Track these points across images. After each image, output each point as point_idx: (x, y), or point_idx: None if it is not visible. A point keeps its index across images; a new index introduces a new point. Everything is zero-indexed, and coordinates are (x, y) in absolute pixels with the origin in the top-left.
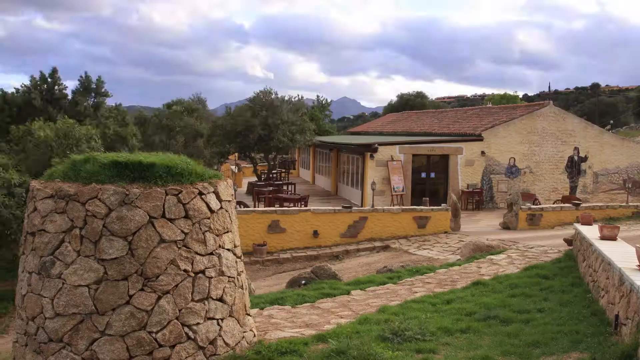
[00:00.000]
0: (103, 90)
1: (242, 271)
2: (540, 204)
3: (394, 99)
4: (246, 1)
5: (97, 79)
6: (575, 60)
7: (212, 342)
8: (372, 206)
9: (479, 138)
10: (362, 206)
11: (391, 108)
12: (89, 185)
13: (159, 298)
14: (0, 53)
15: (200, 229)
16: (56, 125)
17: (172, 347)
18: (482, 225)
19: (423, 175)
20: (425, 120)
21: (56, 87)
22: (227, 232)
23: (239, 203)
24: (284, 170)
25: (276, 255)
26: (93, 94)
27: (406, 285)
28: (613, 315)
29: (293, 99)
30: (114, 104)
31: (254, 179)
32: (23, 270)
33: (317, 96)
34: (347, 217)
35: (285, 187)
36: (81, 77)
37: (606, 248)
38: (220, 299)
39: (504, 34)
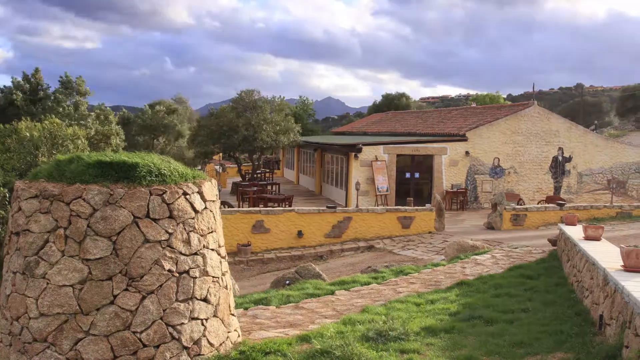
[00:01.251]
0: (84, 89)
1: (227, 271)
2: (524, 204)
3: (378, 99)
4: None
5: (77, 78)
6: None
7: (197, 342)
8: (357, 206)
9: (463, 138)
10: (346, 206)
11: (375, 108)
12: (73, 185)
13: (143, 298)
14: None
15: (185, 229)
16: (42, 125)
17: (157, 347)
18: (466, 226)
19: (407, 175)
20: (409, 121)
21: (39, 87)
22: (212, 232)
23: (223, 203)
24: (268, 170)
25: (260, 255)
26: (75, 93)
27: (390, 285)
28: (597, 315)
29: (277, 99)
30: (97, 104)
31: (238, 179)
32: (7, 270)
33: (300, 96)
34: (331, 217)
35: (269, 187)
36: (61, 76)
37: (590, 248)
38: (205, 299)
39: None
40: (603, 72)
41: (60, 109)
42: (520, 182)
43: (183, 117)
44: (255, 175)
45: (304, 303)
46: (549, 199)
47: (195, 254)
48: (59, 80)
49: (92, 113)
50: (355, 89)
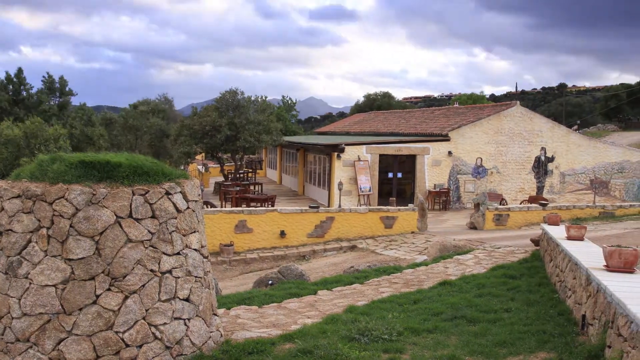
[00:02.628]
0: (67, 89)
1: (209, 271)
2: (507, 204)
3: (361, 99)
4: None
5: (59, 78)
6: None
7: (179, 342)
8: (339, 206)
9: (446, 138)
10: (329, 206)
11: (358, 108)
12: (56, 185)
13: (126, 298)
14: None
15: (167, 229)
16: (25, 125)
17: (139, 347)
18: (449, 225)
19: (390, 175)
20: (392, 121)
21: (22, 88)
22: (194, 232)
23: (206, 203)
24: (250, 170)
25: (243, 255)
26: (57, 94)
27: (373, 285)
28: (580, 315)
29: (259, 99)
30: (79, 104)
31: (221, 179)
32: None
33: (283, 97)
34: (314, 217)
35: (252, 187)
36: (44, 77)
37: (573, 248)
38: (187, 299)
39: None
40: None
41: (47, 109)
42: (503, 182)
43: (167, 116)
44: (237, 175)
45: (287, 303)
46: (531, 199)
47: (178, 253)
48: (42, 81)
49: (78, 115)
50: None
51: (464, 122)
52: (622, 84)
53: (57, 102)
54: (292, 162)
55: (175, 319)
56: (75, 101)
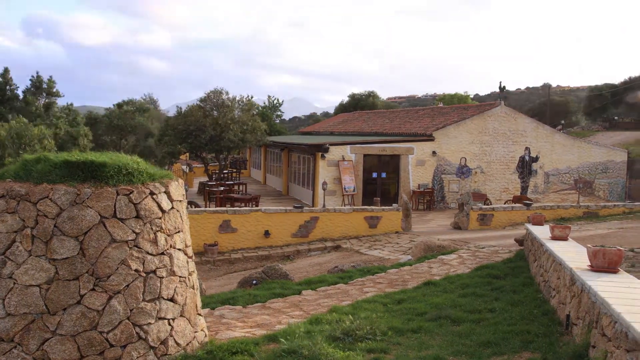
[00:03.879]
0: (54, 90)
1: (194, 271)
2: (491, 204)
3: (345, 99)
4: None
5: (48, 79)
6: None
7: (164, 342)
8: (324, 206)
9: (430, 138)
10: (313, 206)
11: (342, 108)
12: (40, 185)
13: (110, 298)
14: None
15: (152, 229)
16: (9, 125)
17: (124, 347)
18: (433, 225)
19: (374, 175)
20: (376, 120)
21: (8, 87)
22: (179, 232)
23: (190, 203)
24: (235, 170)
25: (227, 255)
26: (44, 94)
27: (357, 285)
28: (564, 315)
29: (244, 99)
30: (65, 104)
31: (205, 178)
32: None
33: (269, 96)
34: (298, 217)
35: (236, 187)
36: (32, 77)
37: (557, 248)
38: (172, 299)
39: None
40: None
41: (33, 109)
42: (487, 182)
43: (153, 116)
44: (222, 175)
45: (271, 303)
46: (515, 199)
47: (162, 253)
48: (30, 81)
49: (63, 115)
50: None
51: (448, 122)
52: (606, 84)
53: (43, 102)
54: (276, 162)
55: (160, 319)
56: (61, 101)
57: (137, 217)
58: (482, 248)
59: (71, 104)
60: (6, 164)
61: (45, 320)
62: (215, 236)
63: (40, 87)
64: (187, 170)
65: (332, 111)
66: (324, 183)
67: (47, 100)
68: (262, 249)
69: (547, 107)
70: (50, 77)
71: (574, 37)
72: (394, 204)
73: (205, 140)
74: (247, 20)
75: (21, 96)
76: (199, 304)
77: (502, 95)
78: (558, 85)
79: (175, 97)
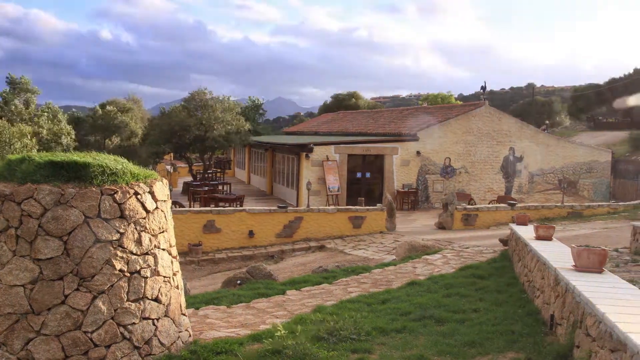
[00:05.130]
0: (32, 87)
1: (178, 271)
2: (475, 204)
3: (329, 99)
4: None
5: (20, 77)
6: None
7: (148, 342)
8: (308, 206)
9: (414, 138)
10: (297, 206)
11: (326, 108)
12: (24, 185)
13: (95, 298)
14: None
15: (136, 229)
16: None
17: (108, 347)
18: (417, 225)
19: (358, 175)
20: (360, 120)
21: None
22: (163, 232)
23: (175, 203)
24: (219, 170)
25: (211, 255)
26: (23, 94)
27: (341, 285)
28: (548, 315)
29: (226, 99)
30: (44, 102)
31: (189, 178)
32: None
33: (250, 97)
34: (282, 217)
35: (220, 187)
36: (7, 77)
37: (542, 248)
38: (156, 299)
39: None
40: None
41: (12, 107)
42: (472, 182)
43: (136, 116)
44: (206, 175)
45: (255, 303)
46: (500, 199)
47: (147, 253)
48: (6, 81)
49: (44, 113)
50: None
51: (433, 122)
52: (590, 84)
53: (23, 100)
54: (260, 162)
55: (144, 318)
56: (41, 100)
57: (122, 217)
58: (467, 248)
59: (50, 103)
60: None
61: (29, 320)
62: (200, 236)
63: (19, 86)
64: (172, 170)
65: (316, 111)
66: (308, 183)
67: (28, 97)
68: (246, 249)
69: (532, 107)
70: (22, 76)
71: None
72: (378, 204)
73: (189, 140)
74: None
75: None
76: (183, 304)
77: (485, 96)
78: (542, 85)
79: (159, 97)
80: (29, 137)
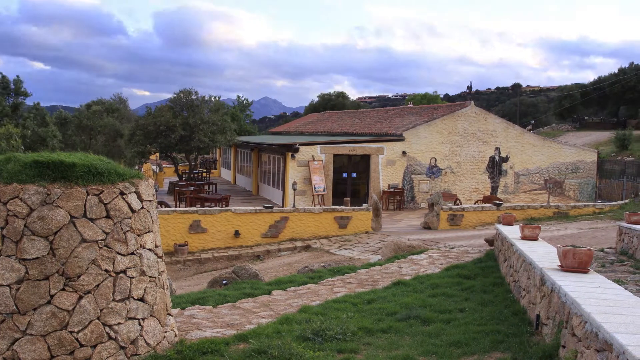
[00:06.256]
0: (22, 89)
1: (164, 271)
2: (461, 204)
3: (315, 99)
4: None
5: (14, 79)
6: None
7: (134, 342)
8: (293, 206)
9: (400, 138)
10: (283, 206)
11: (312, 108)
12: (10, 185)
13: (80, 298)
14: None
15: (122, 228)
16: None
17: (94, 347)
18: (403, 225)
19: (344, 175)
20: (346, 121)
21: None
22: (149, 232)
23: (160, 203)
24: (205, 170)
25: (197, 255)
26: (12, 94)
27: (327, 285)
28: (534, 315)
29: (213, 99)
30: (32, 103)
31: (175, 179)
32: None
33: (238, 96)
34: (268, 217)
35: (206, 187)
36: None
37: (527, 248)
38: (142, 299)
39: None
40: None
41: (0, 108)
42: (457, 182)
43: (123, 116)
44: (192, 175)
45: (241, 303)
46: (486, 199)
47: (132, 253)
48: None
49: (30, 115)
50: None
51: (418, 122)
52: (576, 84)
53: (10, 102)
54: (246, 162)
55: (130, 318)
56: (29, 101)
57: (107, 217)
58: (452, 248)
59: (38, 103)
60: None
61: (15, 320)
62: (186, 236)
63: (8, 87)
64: (157, 170)
65: (302, 111)
66: (294, 183)
67: (15, 100)
68: (232, 249)
69: (517, 107)
70: (17, 76)
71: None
72: (364, 204)
73: (175, 140)
74: None
75: None
76: (169, 304)
77: (471, 96)
78: (528, 86)
79: (145, 97)
80: (16, 138)
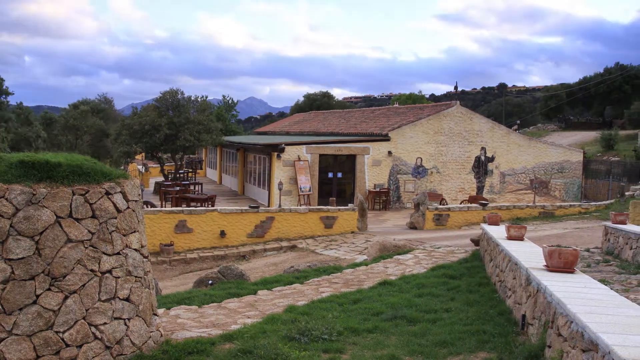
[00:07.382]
0: (4, 88)
1: (149, 271)
2: (447, 204)
3: (301, 99)
4: None
5: None
6: None
7: (119, 342)
8: (279, 206)
9: (385, 138)
10: (269, 206)
11: (298, 108)
12: None
13: (66, 298)
14: None
15: (107, 228)
16: None
17: (79, 347)
18: (389, 225)
19: (330, 175)
20: (332, 120)
21: None
22: (134, 232)
23: (146, 203)
24: (191, 170)
25: (183, 255)
26: None
27: (313, 285)
28: (520, 315)
29: (199, 99)
30: (15, 103)
31: (161, 178)
32: None
33: (224, 96)
34: (254, 217)
35: (192, 187)
36: None
37: (513, 248)
38: (127, 299)
39: None
40: None
41: None
42: (443, 182)
43: (109, 116)
44: (177, 175)
45: (227, 303)
46: (471, 199)
47: (118, 253)
48: None
49: (13, 114)
50: None
51: (404, 122)
52: (562, 84)
53: None
54: (232, 162)
55: (115, 318)
56: (12, 101)
57: (93, 217)
58: (438, 248)
59: (21, 103)
60: None
61: (1, 320)
62: (171, 236)
63: None
64: (143, 170)
65: (287, 111)
66: (280, 183)
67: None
68: (218, 249)
69: (503, 107)
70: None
71: None
72: (349, 204)
73: (160, 140)
74: None
75: None
76: (155, 303)
77: (457, 96)
78: (514, 86)
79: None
80: (1, 138)
